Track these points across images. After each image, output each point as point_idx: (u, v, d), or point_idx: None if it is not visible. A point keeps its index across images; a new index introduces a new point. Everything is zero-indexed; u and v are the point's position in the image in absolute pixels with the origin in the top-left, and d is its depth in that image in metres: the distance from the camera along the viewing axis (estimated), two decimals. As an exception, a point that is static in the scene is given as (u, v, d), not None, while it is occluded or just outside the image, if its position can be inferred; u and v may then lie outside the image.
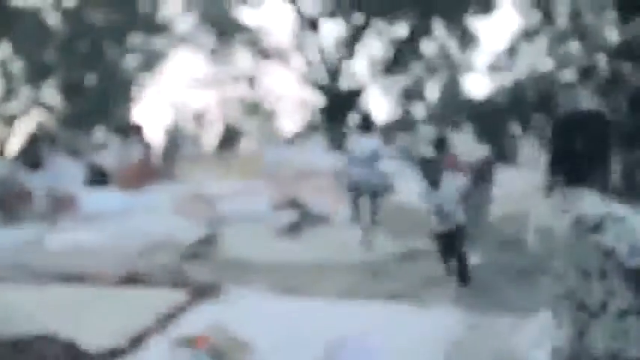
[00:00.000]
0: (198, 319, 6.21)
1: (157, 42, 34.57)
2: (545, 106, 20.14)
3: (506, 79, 32.21)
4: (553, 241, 2.61)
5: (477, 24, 32.55)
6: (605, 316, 2.51)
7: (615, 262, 2.48)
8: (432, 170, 7.78)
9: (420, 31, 32.01)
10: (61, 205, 11.63)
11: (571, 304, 2.57)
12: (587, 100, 16.83)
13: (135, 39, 33.87)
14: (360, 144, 9.63)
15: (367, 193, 9.63)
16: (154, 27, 32.13)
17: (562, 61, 28.45)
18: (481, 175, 10.21)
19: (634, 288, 2.49)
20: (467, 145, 10.58)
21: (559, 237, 2.59)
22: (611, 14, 22.77)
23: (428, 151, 9.22)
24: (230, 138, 26.17)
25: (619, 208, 2.49)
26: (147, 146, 13.96)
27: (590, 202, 2.55)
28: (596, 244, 2.49)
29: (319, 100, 33.91)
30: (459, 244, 7.51)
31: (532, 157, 16.53)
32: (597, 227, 2.49)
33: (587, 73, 16.80)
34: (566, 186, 2.62)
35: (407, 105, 38.14)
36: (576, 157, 2.61)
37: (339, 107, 30.85)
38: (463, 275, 7.40)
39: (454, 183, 7.99)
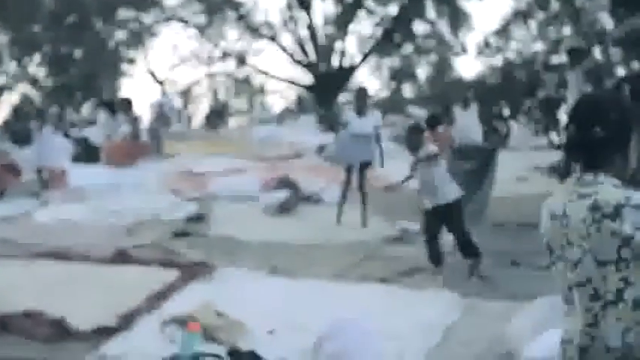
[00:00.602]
0: (190, 299, 6.13)
1: (146, 18, 34.28)
2: (533, 88, 20.06)
3: (497, 61, 32.18)
4: (568, 228, 2.53)
5: (469, 5, 32.48)
6: (620, 306, 2.44)
7: (633, 251, 2.40)
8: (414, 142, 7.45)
9: (411, 11, 31.86)
10: (50, 180, 11.52)
11: (584, 292, 2.50)
12: (575, 84, 16.79)
13: (124, 14, 33.58)
14: (360, 121, 9.52)
15: (357, 168, 9.63)
16: (143, 2, 31.77)
17: (553, 45, 28.40)
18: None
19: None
20: (469, 126, 10.53)
21: (574, 223, 2.51)
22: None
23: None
24: (218, 115, 26.03)
25: (637, 195, 2.41)
26: (135, 122, 13.82)
27: (608, 189, 2.47)
28: (613, 232, 2.41)
29: (309, 78, 33.79)
30: (449, 223, 7.28)
31: (523, 140, 16.51)
32: (615, 214, 2.41)
33: (576, 55, 16.71)
34: (583, 171, 2.54)
35: (397, 84, 38.12)
36: (595, 142, 2.53)
37: (328, 86, 30.75)
38: (465, 249, 7.12)
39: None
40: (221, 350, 4.92)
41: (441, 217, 7.15)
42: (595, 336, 2.47)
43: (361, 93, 10.21)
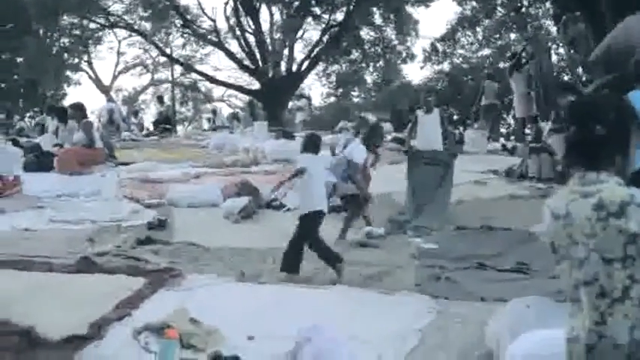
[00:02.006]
0: (160, 306, 6.06)
1: (91, 24, 33.84)
2: (476, 95, 20.38)
3: (444, 67, 32.55)
4: (572, 227, 2.58)
5: (415, 11, 32.77)
6: (627, 303, 2.49)
7: (638, 248, 2.45)
8: None
9: (357, 17, 32.02)
10: (3, 189, 11.29)
11: (591, 291, 2.54)
12: (516, 89, 17.14)
13: (69, 20, 33.09)
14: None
15: None
16: (88, 7, 31.29)
17: (500, 51, 28.85)
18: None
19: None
20: (433, 130, 10.61)
21: (579, 222, 2.55)
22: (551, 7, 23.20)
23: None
24: (166, 122, 25.82)
25: None
26: (87, 129, 13.61)
27: (612, 187, 2.52)
28: (619, 230, 2.46)
29: (256, 84, 33.72)
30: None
31: (479, 144, 16.68)
32: (620, 212, 2.46)
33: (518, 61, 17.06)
34: (585, 171, 2.59)
35: (344, 90, 38.29)
36: (596, 141, 2.58)
37: (277, 92, 30.73)
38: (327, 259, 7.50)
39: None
40: (200, 357, 4.88)
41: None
42: (602, 333, 2.51)
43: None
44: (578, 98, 2.90)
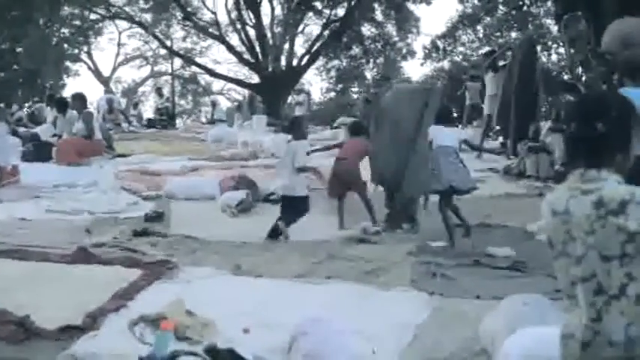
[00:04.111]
0: (156, 298, 6.06)
1: (93, 15, 33.82)
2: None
3: (445, 65, 32.55)
4: (571, 224, 2.58)
5: (417, 8, 32.77)
6: (624, 300, 2.49)
7: (638, 246, 2.45)
8: None
9: (359, 13, 32.01)
10: (2, 178, 11.29)
11: (588, 287, 2.54)
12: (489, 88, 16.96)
13: (70, 10, 33.06)
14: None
15: None
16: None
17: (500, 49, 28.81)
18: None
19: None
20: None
21: (578, 219, 2.55)
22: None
23: None
24: (166, 115, 25.82)
25: None
26: (88, 119, 13.60)
27: (613, 185, 2.52)
28: (618, 227, 2.46)
29: (256, 78, 33.70)
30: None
31: (475, 142, 16.62)
32: (620, 210, 2.46)
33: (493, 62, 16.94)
34: (585, 168, 2.59)
35: (344, 86, 38.25)
36: (597, 138, 2.58)
37: (276, 86, 30.72)
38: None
39: None
40: (196, 349, 4.88)
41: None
42: (598, 330, 2.51)
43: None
44: (580, 95, 2.89)
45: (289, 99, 32.92)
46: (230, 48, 33.64)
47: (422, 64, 34.21)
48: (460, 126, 19.11)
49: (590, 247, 2.52)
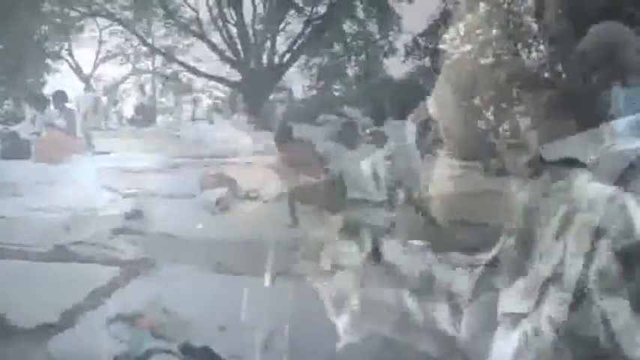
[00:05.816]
0: (134, 296, 6.09)
1: (72, 11, 33.60)
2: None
3: (426, 62, 32.57)
4: (541, 222, 2.59)
5: (399, 6, 32.77)
6: (596, 297, 2.50)
7: (607, 243, 2.46)
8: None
9: (340, 10, 31.98)
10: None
11: (557, 285, 2.55)
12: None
13: (50, 8, 32.84)
14: None
15: None
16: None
17: (481, 47, 28.87)
18: None
19: (624, 270, 2.49)
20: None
21: (548, 217, 2.56)
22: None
23: None
24: (146, 112, 25.73)
25: (611, 189, 2.48)
26: (69, 117, 13.54)
27: (583, 181, 2.53)
28: (587, 225, 2.47)
29: (237, 76, 33.59)
30: None
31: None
32: (589, 207, 2.47)
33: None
34: (557, 166, 2.60)
35: (326, 84, 38.23)
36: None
37: (258, 84, 30.61)
38: None
39: None
40: (171, 347, 4.89)
41: None
42: (571, 328, 2.52)
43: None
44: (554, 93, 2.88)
45: (271, 96, 32.84)
46: (212, 46, 33.51)
47: (403, 62, 34.15)
48: None
49: (560, 245, 2.53)
